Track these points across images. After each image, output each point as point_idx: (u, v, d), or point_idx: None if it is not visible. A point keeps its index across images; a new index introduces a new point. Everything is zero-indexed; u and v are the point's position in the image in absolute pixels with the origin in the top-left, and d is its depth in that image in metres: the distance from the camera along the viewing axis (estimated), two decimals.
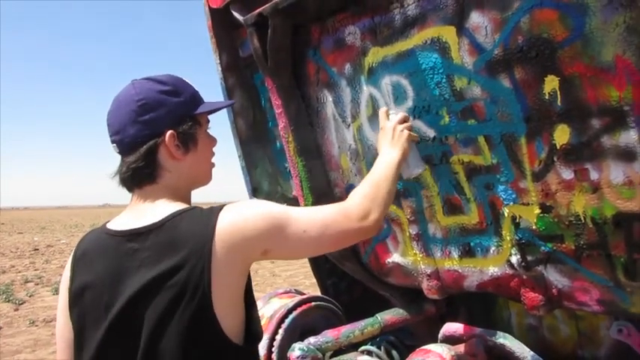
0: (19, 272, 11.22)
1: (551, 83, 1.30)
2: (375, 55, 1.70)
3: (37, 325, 6.55)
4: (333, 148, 2.04)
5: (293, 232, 1.05)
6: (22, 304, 7.90)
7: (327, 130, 2.04)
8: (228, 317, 1.00)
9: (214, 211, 1.03)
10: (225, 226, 1.00)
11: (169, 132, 1.09)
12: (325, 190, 2.12)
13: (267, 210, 1.06)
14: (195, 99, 1.17)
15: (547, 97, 1.31)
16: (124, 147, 1.10)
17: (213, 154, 1.23)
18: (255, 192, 2.47)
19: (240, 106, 2.40)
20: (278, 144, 2.35)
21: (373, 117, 1.79)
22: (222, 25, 2.31)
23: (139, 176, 1.10)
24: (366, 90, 1.78)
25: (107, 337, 1.01)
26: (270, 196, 2.47)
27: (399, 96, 1.67)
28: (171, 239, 1.00)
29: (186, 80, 1.18)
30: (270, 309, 2.24)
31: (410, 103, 1.64)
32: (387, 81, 1.69)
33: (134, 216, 1.09)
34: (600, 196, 1.31)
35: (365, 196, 1.22)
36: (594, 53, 1.20)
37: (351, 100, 1.86)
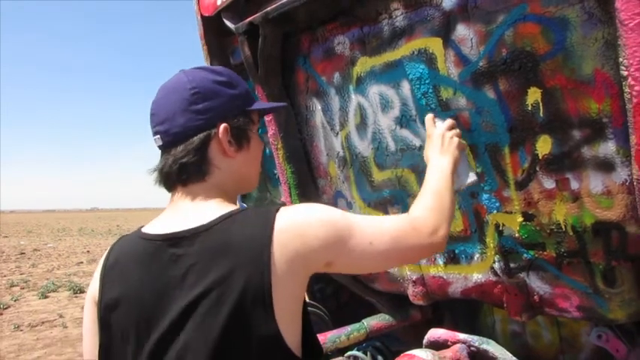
0: (5, 276, 11.10)
1: (533, 95, 1.33)
2: (364, 64, 1.73)
3: (21, 330, 6.50)
4: (322, 155, 2.07)
5: (358, 243, 0.95)
6: (6, 308, 7.82)
7: (315, 137, 2.06)
8: (291, 331, 0.89)
9: (271, 211, 0.92)
10: (285, 227, 0.89)
11: (223, 125, 0.99)
12: (313, 197, 2.14)
13: (329, 216, 0.95)
14: (249, 94, 1.08)
15: (530, 109, 1.35)
16: (170, 138, 0.99)
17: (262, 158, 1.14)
18: (244, 198, 2.49)
19: None
20: (267, 150, 2.38)
21: (361, 125, 1.82)
22: (213, 32, 2.34)
23: (187, 172, 0.98)
24: (355, 99, 1.81)
25: None
26: (258, 202, 2.49)
27: (386, 105, 1.70)
28: (223, 244, 0.89)
29: (240, 77, 1.09)
30: None
31: (397, 112, 1.67)
32: (374, 90, 1.72)
33: (176, 217, 0.97)
34: (580, 205, 1.35)
35: (432, 209, 1.12)
36: (575, 66, 1.24)
37: (340, 109, 1.89)
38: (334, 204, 2.11)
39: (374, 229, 0.99)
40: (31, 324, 6.75)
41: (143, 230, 1.01)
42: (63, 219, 64.01)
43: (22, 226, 38.68)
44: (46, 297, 8.62)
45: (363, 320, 2.13)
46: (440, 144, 1.36)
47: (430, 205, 1.13)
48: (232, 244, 0.88)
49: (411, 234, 1.03)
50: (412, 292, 1.91)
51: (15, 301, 8.37)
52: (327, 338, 2.05)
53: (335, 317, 2.43)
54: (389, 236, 0.99)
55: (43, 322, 6.88)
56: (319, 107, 1.98)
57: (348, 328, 2.09)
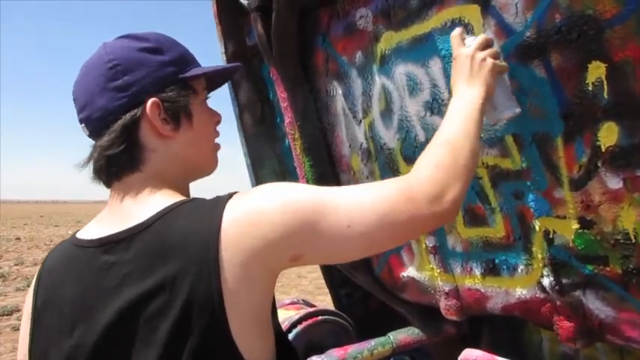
0: None
1: (596, 71, 1.05)
2: (389, 40, 1.49)
3: None
4: (344, 146, 1.83)
5: (331, 226, 0.75)
6: None
7: (337, 126, 1.83)
8: (257, 347, 0.74)
9: (220, 201, 0.76)
10: (235, 218, 0.73)
11: (151, 100, 0.82)
12: None
13: (291, 197, 0.76)
14: (186, 59, 0.89)
15: (590, 89, 1.07)
16: (94, 126, 0.84)
17: (217, 133, 0.95)
18: None
19: (246, 100, 2.21)
20: (287, 141, 2.16)
21: (386, 112, 1.57)
22: (228, 11, 2.13)
23: (116, 163, 0.83)
24: (379, 81, 1.56)
25: None
26: None
27: (414, 88, 1.45)
28: (163, 244, 0.73)
29: (176, 40, 0.91)
30: None
31: (426, 95, 1.42)
32: (401, 70, 1.47)
33: (113, 217, 0.82)
34: None
35: (438, 166, 0.86)
36: None
37: (362, 93, 1.65)
38: None
39: (352, 206, 0.78)
40: None
41: (77, 235, 0.86)
42: None
43: (72, 216, 40.08)
44: None
45: (389, 334, 1.89)
46: (468, 68, 1.05)
47: (436, 160, 0.88)
48: (172, 244, 0.73)
49: (404, 206, 0.80)
50: (445, 305, 1.65)
51: None
52: (348, 353, 1.82)
53: (362, 327, 2.19)
54: (373, 213, 0.77)
55: None
56: (340, 91, 1.75)
57: (372, 342, 1.85)
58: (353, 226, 0.76)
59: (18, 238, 17.41)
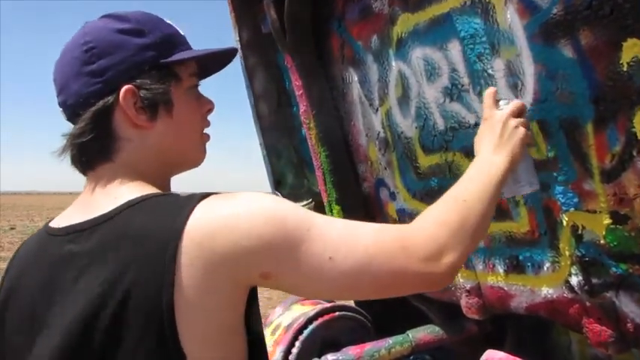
0: None
1: (631, 50, 0.95)
2: (405, 23, 1.40)
3: None
4: (361, 136, 1.76)
5: (312, 253, 0.68)
6: None
7: (353, 115, 1.75)
8: (213, 358, 0.68)
9: (193, 198, 0.69)
10: (205, 218, 0.66)
11: (126, 87, 0.76)
12: (351, 185, 1.84)
13: (276, 210, 0.69)
14: (170, 42, 0.81)
15: (625, 70, 0.97)
16: (69, 112, 0.79)
17: (206, 122, 0.87)
18: (279, 185, 2.22)
19: (262, 89, 2.15)
20: (303, 131, 2.09)
21: (403, 99, 1.49)
22: None
23: (87, 152, 0.78)
24: (395, 66, 1.48)
25: None
26: (295, 190, 2.21)
27: (432, 73, 1.36)
28: (120, 237, 0.68)
29: (166, 20, 0.83)
30: (289, 317, 1.99)
31: (445, 81, 1.33)
32: (418, 54, 1.38)
33: (82, 208, 0.78)
34: None
35: (442, 222, 0.79)
36: None
37: (379, 80, 1.57)
38: (375, 194, 1.80)
39: (341, 238, 0.70)
40: None
41: (51, 223, 0.81)
42: None
43: None
44: None
45: (408, 332, 1.81)
46: (498, 133, 0.98)
47: (442, 218, 0.80)
48: (129, 238, 0.68)
49: (396, 254, 0.72)
50: (466, 303, 1.57)
51: None
52: (364, 352, 1.75)
53: (381, 324, 2.12)
54: (360, 252, 0.70)
55: None
56: (356, 79, 1.67)
57: (390, 341, 1.78)
58: (335, 260, 0.68)
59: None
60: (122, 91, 0.75)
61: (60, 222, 0.79)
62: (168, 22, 0.83)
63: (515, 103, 1.03)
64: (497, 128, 0.99)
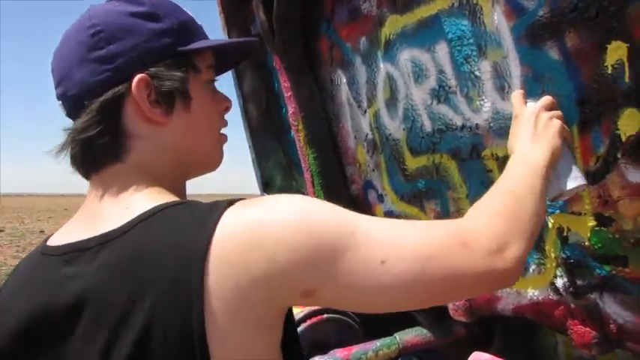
0: None
1: (616, 52, 0.96)
2: (394, 24, 1.40)
3: None
4: (349, 138, 1.76)
5: (360, 260, 0.58)
6: None
7: (342, 117, 1.75)
8: None
9: (217, 207, 0.59)
10: (234, 232, 0.57)
11: (139, 76, 0.66)
12: (340, 187, 1.84)
13: (314, 215, 0.59)
14: (189, 30, 0.72)
15: (610, 72, 0.97)
16: (70, 104, 0.68)
17: (224, 122, 0.78)
18: (267, 187, 2.22)
19: (251, 90, 2.15)
20: (293, 133, 2.09)
21: (391, 101, 1.49)
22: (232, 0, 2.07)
23: (93, 151, 0.67)
24: (383, 68, 1.48)
25: None
26: (283, 192, 2.21)
27: (420, 74, 1.36)
28: (134, 257, 0.58)
29: (179, 5, 0.74)
30: None
31: (433, 82, 1.33)
32: (406, 56, 1.38)
33: (85, 220, 0.67)
34: None
35: (499, 214, 0.71)
36: None
37: (367, 81, 1.57)
38: (364, 196, 1.80)
39: (390, 240, 0.60)
40: None
41: (49, 242, 0.70)
42: None
43: None
44: None
45: (395, 334, 1.81)
46: (532, 126, 0.89)
47: (498, 209, 0.72)
48: (145, 258, 0.57)
49: (456, 251, 0.63)
50: (453, 305, 1.57)
51: None
52: (352, 354, 1.74)
53: (370, 326, 2.11)
54: (415, 253, 0.60)
55: None
56: (344, 80, 1.67)
57: (377, 343, 1.77)
58: (388, 264, 0.58)
59: (42, 231, 17.68)
60: (135, 80, 0.66)
61: (60, 239, 0.67)
62: (184, 9, 0.74)
63: (545, 98, 0.96)
64: (531, 121, 0.90)
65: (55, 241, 0.68)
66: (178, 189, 0.72)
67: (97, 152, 0.67)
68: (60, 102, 0.70)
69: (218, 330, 0.54)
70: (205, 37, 0.74)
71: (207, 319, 0.54)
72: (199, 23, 0.75)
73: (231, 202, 0.60)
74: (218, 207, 0.59)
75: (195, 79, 0.71)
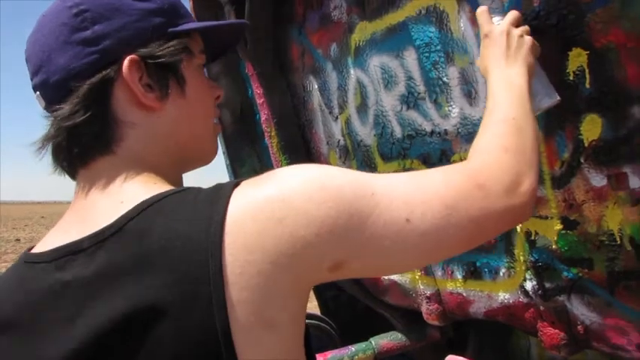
0: None
1: (576, 59, 0.97)
2: (363, 31, 1.40)
3: None
4: (322, 144, 1.76)
5: (386, 222, 0.55)
6: None
7: (314, 123, 1.75)
8: None
9: (223, 189, 0.54)
10: (248, 215, 0.52)
11: (130, 57, 0.61)
12: None
13: (330, 181, 0.55)
14: (178, 10, 0.68)
15: (571, 78, 0.99)
16: (52, 94, 0.62)
17: (217, 111, 0.74)
18: None
19: (225, 97, 2.13)
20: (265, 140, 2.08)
21: (362, 107, 1.49)
22: (205, 5, 2.06)
23: (79, 142, 0.61)
24: (354, 75, 1.48)
25: None
26: None
27: (389, 81, 1.37)
28: (137, 254, 0.52)
29: None
30: None
31: (402, 89, 1.34)
32: (375, 62, 1.39)
33: (74, 220, 0.61)
34: None
35: (507, 148, 0.70)
36: (638, 15, 0.87)
37: (338, 88, 1.57)
38: None
39: (410, 194, 0.58)
40: None
41: (33, 250, 0.62)
42: None
43: None
44: None
45: (371, 339, 1.81)
46: (504, 46, 0.87)
47: (504, 143, 0.71)
48: (152, 251, 0.51)
49: (474, 195, 0.61)
50: (426, 309, 1.58)
51: None
52: (328, 359, 1.74)
53: (349, 330, 2.11)
54: (439, 203, 0.58)
55: None
56: (316, 87, 1.67)
57: (353, 348, 1.77)
58: (414, 221, 0.56)
59: (18, 240, 17.33)
60: (126, 62, 0.61)
61: (47, 244, 0.60)
62: None
63: (511, 13, 0.94)
64: (502, 40, 0.88)
65: (40, 248, 0.61)
66: (175, 181, 0.66)
67: (84, 142, 0.61)
68: (38, 93, 0.64)
69: (245, 325, 0.50)
70: (193, 21, 0.71)
71: (230, 314, 0.49)
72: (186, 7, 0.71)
73: (237, 183, 0.55)
74: (225, 189, 0.54)
75: (188, 62, 0.67)
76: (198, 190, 0.56)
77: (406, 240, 0.56)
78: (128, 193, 0.59)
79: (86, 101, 0.60)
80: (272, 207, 0.52)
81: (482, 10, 0.96)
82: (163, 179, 0.63)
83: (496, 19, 0.96)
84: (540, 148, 0.77)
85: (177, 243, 0.51)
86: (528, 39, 0.89)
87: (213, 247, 0.50)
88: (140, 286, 0.50)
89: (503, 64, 0.86)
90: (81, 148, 0.62)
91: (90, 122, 0.60)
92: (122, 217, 0.55)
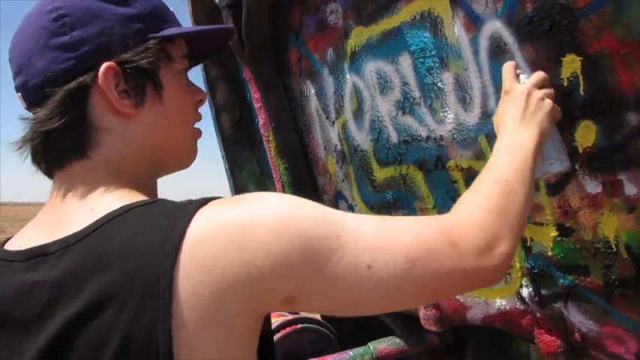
0: None
1: (570, 65, 0.96)
2: (359, 36, 1.40)
3: None
4: (319, 148, 1.75)
5: (347, 264, 0.56)
6: None
7: (312, 127, 1.75)
8: None
9: (189, 207, 0.55)
10: (208, 236, 0.53)
11: (106, 64, 0.61)
12: (311, 198, 1.81)
13: (295, 215, 0.56)
14: (161, 16, 0.68)
15: (565, 85, 0.98)
16: (31, 97, 0.63)
17: (198, 116, 0.74)
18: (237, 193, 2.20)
19: (223, 101, 2.14)
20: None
21: (358, 112, 1.49)
22: (204, 10, 2.06)
23: (55, 146, 0.62)
24: (350, 79, 1.48)
25: None
26: None
27: (385, 86, 1.36)
28: (98, 261, 0.54)
29: None
30: None
31: (397, 94, 1.33)
32: (371, 67, 1.38)
33: (49, 222, 0.63)
34: (638, 217, 0.97)
35: (489, 209, 0.69)
36: (630, 21, 0.86)
37: (334, 93, 1.56)
38: (335, 206, 1.79)
39: (377, 240, 0.58)
40: None
41: (6, 246, 0.64)
42: None
43: None
44: None
45: (369, 343, 1.80)
46: (522, 107, 0.87)
47: (489, 205, 0.70)
48: (111, 260, 0.52)
49: (443, 252, 0.61)
50: (424, 315, 1.57)
51: None
52: None
53: (348, 335, 2.10)
54: (403, 254, 0.58)
55: None
56: (313, 91, 1.66)
57: (351, 353, 1.77)
58: (375, 269, 0.56)
59: None
60: (102, 69, 0.61)
61: (19, 242, 0.62)
62: None
63: (537, 74, 0.94)
64: (521, 101, 0.88)
65: (15, 245, 0.63)
66: (149, 187, 0.68)
67: (60, 147, 0.62)
68: (19, 94, 0.65)
69: (189, 341, 0.51)
70: (178, 25, 0.71)
71: (175, 330, 0.50)
72: (172, 10, 0.71)
73: (205, 201, 0.56)
74: (190, 206, 0.55)
75: (167, 68, 0.67)
76: (166, 203, 0.57)
77: (364, 286, 0.56)
78: (99, 201, 0.61)
79: (62, 107, 0.61)
80: (233, 233, 0.53)
81: (509, 65, 0.96)
82: (136, 187, 0.64)
83: (522, 76, 0.95)
84: (527, 214, 0.75)
85: (134, 255, 0.52)
86: (548, 103, 0.89)
87: (166, 262, 0.51)
88: (98, 289, 0.52)
89: (516, 125, 0.86)
90: (57, 152, 0.63)
91: (65, 128, 0.62)
92: (90, 225, 0.57)
